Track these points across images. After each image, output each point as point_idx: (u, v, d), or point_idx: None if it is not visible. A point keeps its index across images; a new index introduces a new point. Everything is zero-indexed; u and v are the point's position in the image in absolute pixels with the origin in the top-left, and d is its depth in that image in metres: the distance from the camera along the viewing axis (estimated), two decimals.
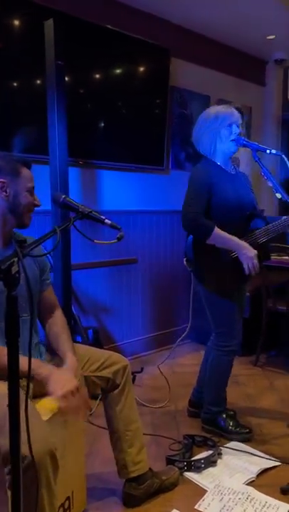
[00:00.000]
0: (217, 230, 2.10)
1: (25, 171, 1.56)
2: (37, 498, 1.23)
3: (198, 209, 2.13)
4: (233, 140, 2.19)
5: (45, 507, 1.27)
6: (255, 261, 2.14)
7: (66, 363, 1.59)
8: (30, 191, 1.57)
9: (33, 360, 1.41)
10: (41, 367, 1.48)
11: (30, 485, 1.21)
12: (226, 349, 2.31)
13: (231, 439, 2.29)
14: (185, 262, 2.28)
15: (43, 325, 1.75)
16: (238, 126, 2.21)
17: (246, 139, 2.19)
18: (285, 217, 2.18)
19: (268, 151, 2.07)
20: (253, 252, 2.13)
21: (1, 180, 1.51)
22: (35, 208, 1.61)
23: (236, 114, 2.22)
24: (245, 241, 2.18)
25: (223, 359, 2.33)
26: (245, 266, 2.14)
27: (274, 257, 3.49)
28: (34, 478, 1.20)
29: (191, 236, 2.21)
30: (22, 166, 1.55)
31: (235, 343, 2.32)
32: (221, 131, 2.19)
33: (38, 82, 2.73)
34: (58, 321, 1.74)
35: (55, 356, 1.70)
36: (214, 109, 2.25)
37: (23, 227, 1.60)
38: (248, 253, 2.13)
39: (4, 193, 1.52)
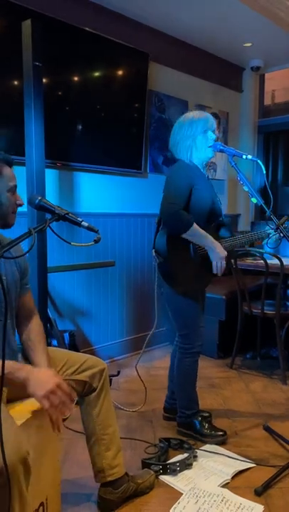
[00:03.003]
0: (195, 225, 2.13)
1: (6, 170, 1.50)
2: (9, 506, 1.20)
3: (181, 203, 2.12)
4: (210, 146, 2.21)
5: None
6: (224, 262, 2.23)
7: None
8: (13, 191, 1.51)
9: (10, 362, 1.38)
10: (18, 370, 1.41)
11: (1, 492, 1.18)
12: (190, 351, 2.33)
13: (206, 442, 2.30)
14: (154, 253, 2.25)
15: (20, 331, 1.69)
16: (213, 132, 2.22)
17: (223, 144, 2.21)
18: (252, 232, 2.33)
19: (244, 157, 2.10)
20: (224, 253, 2.22)
21: None
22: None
23: (211, 119, 2.24)
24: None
25: (188, 361, 2.34)
26: (214, 264, 2.22)
27: (249, 260, 3.55)
28: (5, 486, 1.18)
29: (165, 235, 2.19)
30: (3, 165, 1.49)
31: (199, 345, 2.34)
32: (196, 138, 2.19)
33: (16, 83, 2.70)
34: (35, 330, 1.68)
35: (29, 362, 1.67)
36: (189, 116, 2.24)
37: (8, 227, 1.54)
38: (220, 253, 2.21)
39: None
